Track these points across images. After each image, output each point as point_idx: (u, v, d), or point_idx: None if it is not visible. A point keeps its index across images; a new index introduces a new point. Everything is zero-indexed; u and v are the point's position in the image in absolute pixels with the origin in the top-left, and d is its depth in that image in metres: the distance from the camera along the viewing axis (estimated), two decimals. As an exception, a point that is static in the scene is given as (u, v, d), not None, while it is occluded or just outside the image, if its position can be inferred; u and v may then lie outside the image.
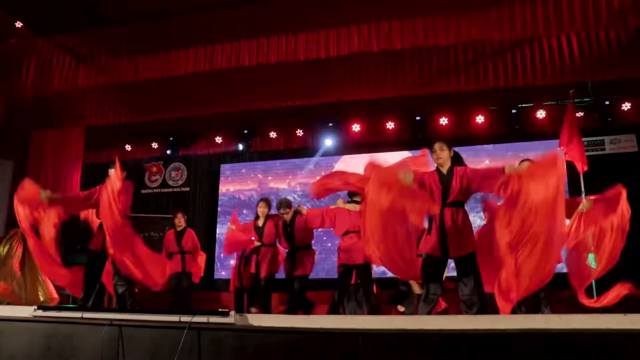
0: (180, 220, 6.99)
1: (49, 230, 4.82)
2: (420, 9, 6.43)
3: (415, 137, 9.26)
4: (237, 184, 9.99)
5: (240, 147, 9.91)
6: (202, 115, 9.28)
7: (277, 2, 7.02)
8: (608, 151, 8.19)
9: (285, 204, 5.86)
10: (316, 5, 6.87)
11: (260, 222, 5.99)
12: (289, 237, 5.72)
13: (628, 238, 4.50)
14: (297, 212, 5.76)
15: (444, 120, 8.85)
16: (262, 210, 6.00)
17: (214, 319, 3.22)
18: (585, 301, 4.52)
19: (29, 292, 5.89)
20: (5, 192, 8.95)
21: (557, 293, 7.44)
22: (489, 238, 3.73)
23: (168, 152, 10.19)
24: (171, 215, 7.46)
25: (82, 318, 3.59)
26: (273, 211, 6.21)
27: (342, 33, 6.68)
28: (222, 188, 10.04)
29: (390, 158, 9.34)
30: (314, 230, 5.87)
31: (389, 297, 5.85)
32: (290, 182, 9.88)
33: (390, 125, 9.15)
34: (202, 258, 7.38)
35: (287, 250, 5.85)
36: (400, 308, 5.60)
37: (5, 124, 8.38)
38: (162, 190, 10.42)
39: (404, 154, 9.42)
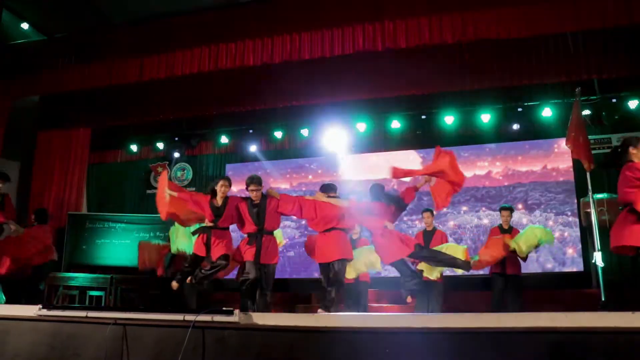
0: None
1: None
2: (425, 7, 6.41)
3: (421, 135, 9.25)
4: (241, 184, 9.99)
5: (245, 146, 9.92)
6: (207, 115, 9.31)
7: (282, 2, 7.02)
8: (615, 150, 8.13)
9: (257, 180, 5.15)
10: (320, 5, 6.87)
11: (218, 202, 5.17)
12: (259, 219, 5.07)
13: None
14: (267, 194, 5.17)
15: (449, 119, 8.81)
16: (224, 189, 5.17)
17: (218, 318, 3.21)
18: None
19: None
20: (13, 193, 8.99)
21: (557, 293, 7.44)
22: None
23: (173, 152, 10.21)
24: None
25: (86, 317, 3.59)
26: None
27: (346, 32, 6.67)
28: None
29: (393, 158, 9.41)
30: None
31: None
32: (292, 181, 9.88)
33: (395, 124, 9.12)
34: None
35: (247, 233, 5.16)
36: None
37: (11, 124, 8.42)
38: (168, 190, 10.43)
39: (409, 153, 9.46)
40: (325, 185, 5.29)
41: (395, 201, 5.10)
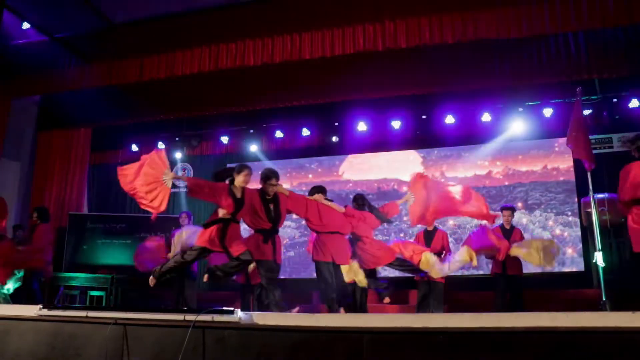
0: (184, 220, 7.04)
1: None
2: (425, 7, 6.41)
3: (421, 135, 9.25)
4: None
5: (245, 146, 9.93)
6: (208, 115, 9.31)
7: (282, 2, 7.02)
8: (616, 149, 8.13)
9: (278, 175, 4.87)
10: (320, 5, 6.86)
11: (238, 192, 4.65)
12: (274, 215, 4.77)
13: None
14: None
15: (449, 119, 8.81)
16: (247, 179, 4.68)
17: (219, 318, 3.20)
18: None
19: None
20: (14, 193, 9.01)
21: (558, 293, 7.44)
22: None
23: (174, 152, 10.20)
24: (177, 216, 7.51)
25: (86, 317, 3.59)
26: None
27: (347, 32, 6.66)
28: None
29: (393, 158, 9.42)
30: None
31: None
32: (292, 181, 9.89)
33: (395, 124, 9.12)
34: None
35: (257, 230, 4.77)
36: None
37: (12, 124, 8.43)
38: (169, 190, 10.43)
39: (410, 153, 9.46)
40: (319, 188, 5.29)
41: (377, 215, 5.33)
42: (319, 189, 5.22)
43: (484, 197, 6.08)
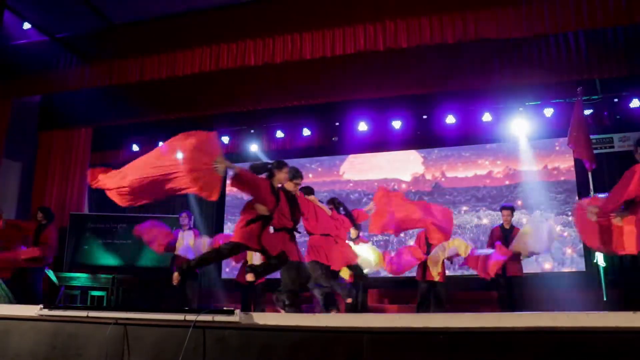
0: (184, 220, 7.05)
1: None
2: (425, 7, 6.41)
3: (422, 135, 9.25)
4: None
5: (246, 146, 9.93)
6: (208, 115, 9.30)
7: (282, 2, 7.02)
8: (617, 149, 8.13)
9: (302, 175, 4.78)
10: (321, 5, 6.86)
11: (276, 189, 4.43)
12: (296, 214, 4.70)
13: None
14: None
15: (450, 119, 8.81)
16: (286, 177, 4.51)
17: (219, 318, 3.21)
18: None
19: None
20: (15, 193, 9.02)
21: (558, 293, 7.45)
22: None
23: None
24: (177, 215, 7.51)
25: (87, 317, 3.59)
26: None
27: (347, 32, 6.66)
28: (228, 188, 10.04)
29: (394, 158, 9.42)
30: None
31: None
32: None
33: (396, 124, 9.12)
34: None
35: (280, 228, 4.58)
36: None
37: (13, 125, 8.43)
38: (169, 190, 10.41)
39: (410, 153, 9.46)
40: (310, 189, 5.34)
41: (350, 218, 5.52)
42: (311, 190, 5.30)
43: (451, 213, 6.36)
